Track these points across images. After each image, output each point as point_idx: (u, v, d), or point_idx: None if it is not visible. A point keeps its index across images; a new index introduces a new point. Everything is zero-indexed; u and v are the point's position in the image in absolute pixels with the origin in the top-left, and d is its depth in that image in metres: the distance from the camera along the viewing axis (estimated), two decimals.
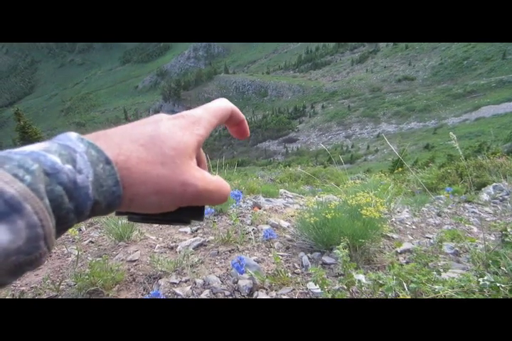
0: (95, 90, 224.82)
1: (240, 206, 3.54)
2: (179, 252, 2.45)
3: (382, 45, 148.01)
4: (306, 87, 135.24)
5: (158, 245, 2.72)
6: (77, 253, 2.59)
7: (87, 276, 2.12)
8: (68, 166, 0.33)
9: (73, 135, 0.36)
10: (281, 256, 2.26)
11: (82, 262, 2.60)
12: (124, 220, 2.97)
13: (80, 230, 3.59)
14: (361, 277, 1.52)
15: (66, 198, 0.31)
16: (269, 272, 2.01)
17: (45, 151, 0.33)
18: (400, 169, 7.46)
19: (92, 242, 3.16)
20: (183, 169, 0.36)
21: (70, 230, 2.83)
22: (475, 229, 3.30)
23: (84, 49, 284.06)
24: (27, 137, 21.15)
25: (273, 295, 1.76)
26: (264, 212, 3.29)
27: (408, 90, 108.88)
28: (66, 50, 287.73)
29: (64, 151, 0.34)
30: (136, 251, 2.63)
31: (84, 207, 0.33)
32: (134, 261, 2.45)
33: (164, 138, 0.37)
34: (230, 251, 2.40)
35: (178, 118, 0.41)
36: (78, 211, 0.32)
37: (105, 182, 0.34)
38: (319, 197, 3.14)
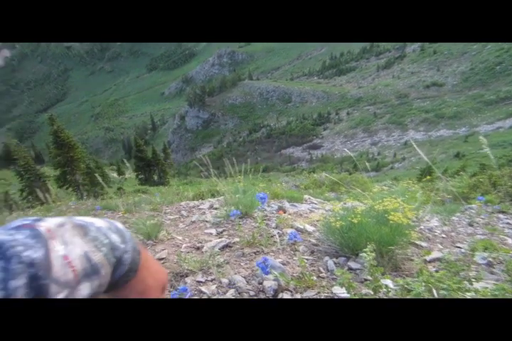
0: (123, 97, 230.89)
1: (265, 210, 3.55)
2: (205, 252, 2.48)
3: (408, 50, 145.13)
4: (331, 93, 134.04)
5: (184, 245, 2.76)
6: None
7: None
8: (122, 246, 0.52)
9: (120, 224, 0.56)
10: (306, 259, 2.25)
11: None
12: (152, 220, 3.04)
13: None
14: (388, 282, 1.49)
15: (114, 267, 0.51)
16: (294, 275, 2.00)
17: (109, 229, 0.52)
18: (429, 177, 7.26)
19: None
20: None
21: None
22: (510, 241, 3.16)
23: (113, 57, 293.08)
24: (59, 141, 22.03)
25: (298, 297, 1.75)
26: (289, 216, 3.29)
27: (437, 96, 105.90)
28: (96, 58, 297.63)
29: (120, 234, 0.53)
30: (163, 249, 2.68)
31: (120, 273, 0.53)
32: (162, 259, 2.50)
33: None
34: (255, 253, 2.41)
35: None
36: (116, 275, 0.52)
37: (135, 266, 0.56)
38: (345, 203, 3.11)
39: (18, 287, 0.37)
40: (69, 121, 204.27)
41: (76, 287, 0.43)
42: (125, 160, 5.26)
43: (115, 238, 0.52)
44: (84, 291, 0.44)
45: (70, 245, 0.44)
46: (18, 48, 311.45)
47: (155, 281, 0.63)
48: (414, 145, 2.29)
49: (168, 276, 2.20)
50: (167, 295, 1.99)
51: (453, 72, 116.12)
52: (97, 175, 5.42)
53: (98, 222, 0.52)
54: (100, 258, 0.47)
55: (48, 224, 0.45)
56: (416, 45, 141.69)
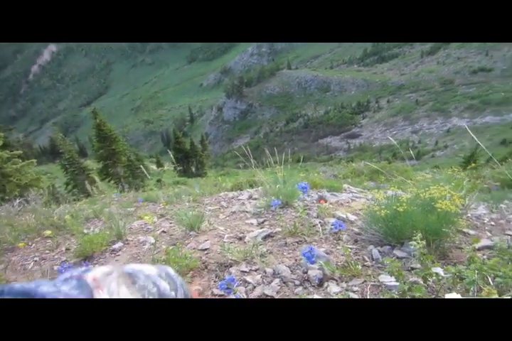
0: (163, 89, 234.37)
1: (305, 199, 3.54)
2: (248, 242, 2.52)
3: None
4: (371, 81, 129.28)
5: (226, 235, 2.81)
6: (153, 241, 2.77)
7: (163, 262, 2.27)
8: (172, 294, 0.52)
9: (172, 270, 0.57)
10: (350, 248, 2.23)
11: (157, 250, 2.78)
12: (193, 212, 3.12)
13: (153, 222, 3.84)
14: (439, 270, 1.45)
15: None
16: (339, 264, 2.00)
17: (159, 276, 0.52)
18: (474, 165, 6.93)
19: (164, 232, 3.36)
20: None
21: (147, 218, 3.05)
22: None
23: (154, 49, 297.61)
24: (102, 134, 22.86)
25: (344, 286, 1.75)
26: (330, 206, 3.26)
27: (484, 82, 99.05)
28: (138, 50, 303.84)
29: (170, 280, 0.53)
30: (206, 240, 2.75)
31: None
32: (205, 249, 2.57)
33: None
34: (297, 243, 2.42)
35: None
36: None
37: None
38: (385, 191, 3.03)
39: None
40: (110, 115, 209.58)
41: None
42: (169, 152, 5.39)
43: (164, 285, 0.52)
44: None
45: (115, 295, 0.45)
46: (64, 43, 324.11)
47: None
48: (469, 131, 2.19)
49: (213, 267, 2.27)
50: (214, 286, 2.05)
51: (503, 57, 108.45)
52: (141, 166, 5.61)
53: (148, 270, 0.53)
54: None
55: (94, 273, 0.47)
56: None
